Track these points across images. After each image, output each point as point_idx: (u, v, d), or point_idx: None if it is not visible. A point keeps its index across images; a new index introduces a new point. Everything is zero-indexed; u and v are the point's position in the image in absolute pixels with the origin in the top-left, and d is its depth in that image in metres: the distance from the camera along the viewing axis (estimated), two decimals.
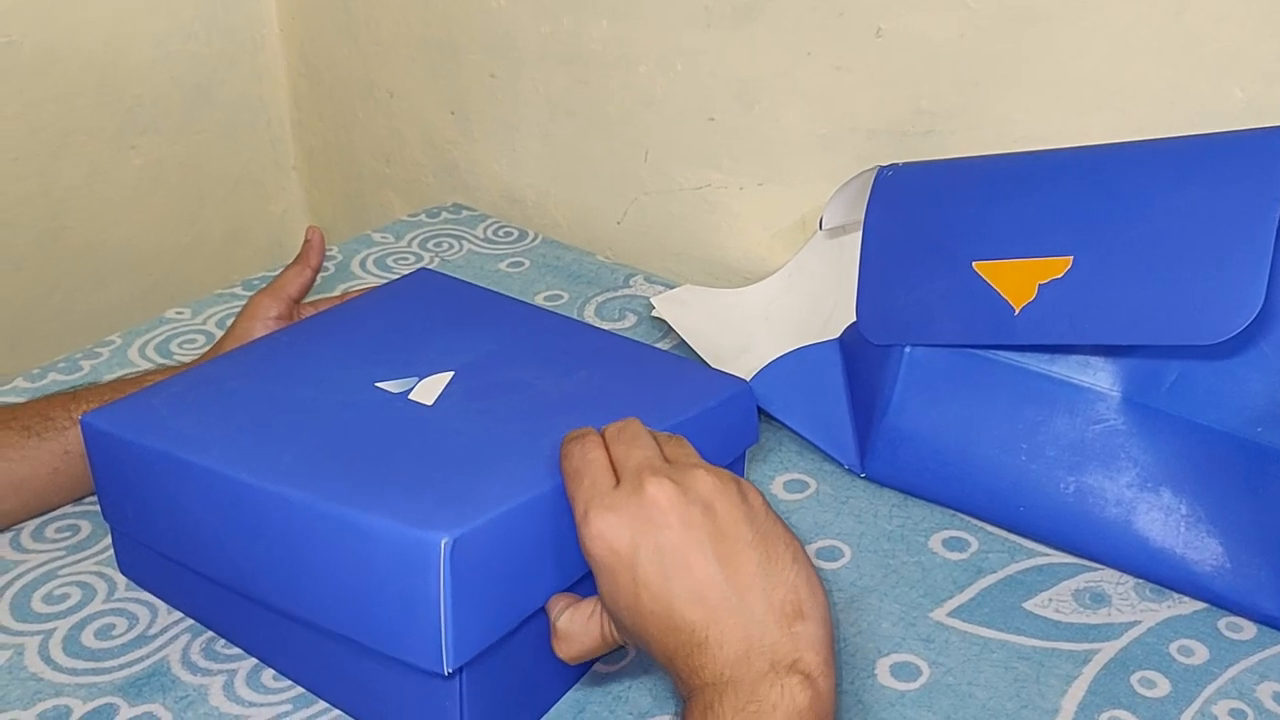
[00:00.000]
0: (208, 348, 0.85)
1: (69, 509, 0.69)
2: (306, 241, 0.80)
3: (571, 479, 0.51)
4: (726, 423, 0.65)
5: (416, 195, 1.21)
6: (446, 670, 0.49)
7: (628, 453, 0.51)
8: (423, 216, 1.08)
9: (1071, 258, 0.63)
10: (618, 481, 0.49)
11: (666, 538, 0.47)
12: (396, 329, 0.67)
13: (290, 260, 0.78)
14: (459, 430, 0.57)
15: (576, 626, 0.52)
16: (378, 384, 0.60)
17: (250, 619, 0.58)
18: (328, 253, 1.01)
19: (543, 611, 0.53)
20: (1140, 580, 0.65)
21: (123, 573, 0.64)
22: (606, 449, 0.52)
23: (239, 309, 0.76)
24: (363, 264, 1.00)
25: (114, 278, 1.21)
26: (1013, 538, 0.68)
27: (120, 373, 0.81)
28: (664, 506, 0.47)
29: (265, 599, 0.55)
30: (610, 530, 0.48)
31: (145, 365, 0.83)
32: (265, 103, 1.29)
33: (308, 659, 0.57)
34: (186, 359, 0.82)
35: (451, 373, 0.62)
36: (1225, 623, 0.62)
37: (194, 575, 0.59)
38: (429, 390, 0.60)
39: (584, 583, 0.53)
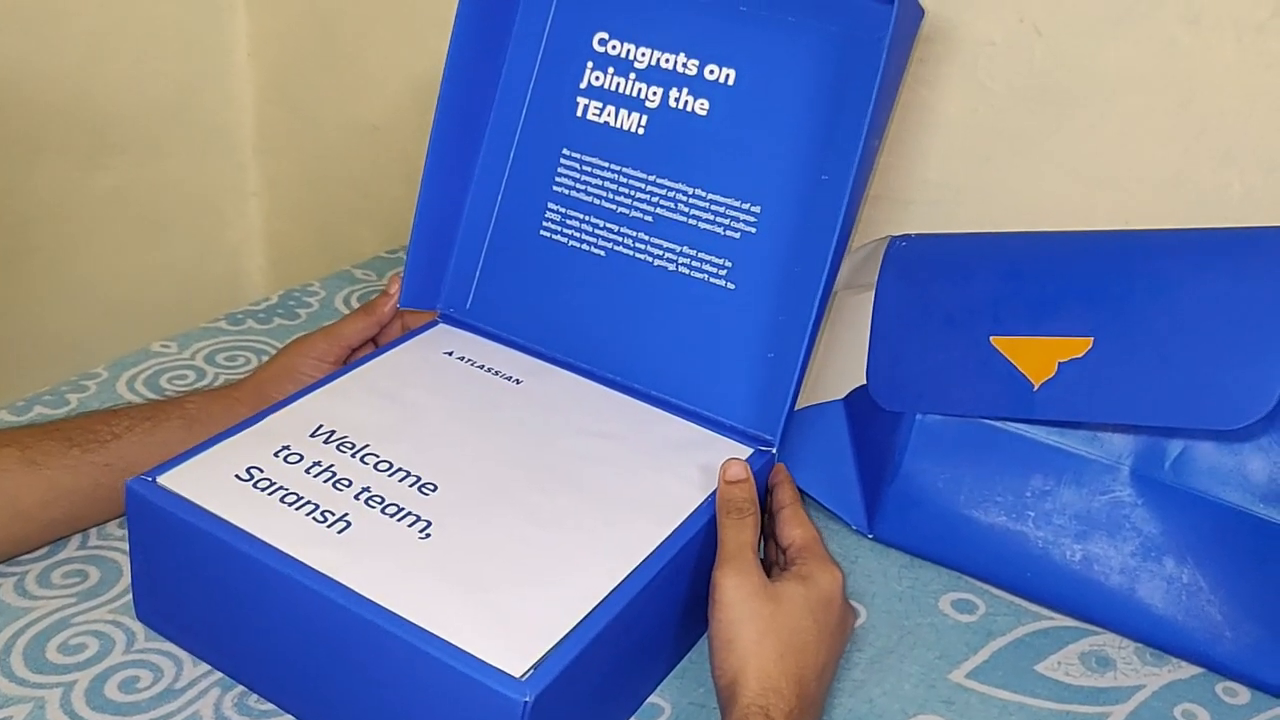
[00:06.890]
0: (199, 384, 0.83)
1: (76, 553, 0.67)
2: (385, 293, 0.78)
3: None
4: None
5: (391, 231, 1.20)
6: None
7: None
8: (401, 254, 1.07)
9: (1093, 338, 0.66)
10: None
11: None
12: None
13: (257, 302, 0.76)
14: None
15: None
16: None
17: (284, 674, 0.57)
18: (308, 287, 1.00)
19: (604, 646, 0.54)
20: (1140, 644, 0.68)
21: (140, 619, 0.62)
22: None
23: (225, 344, 0.73)
24: (346, 300, 0.99)
25: (80, 299, 1.17)
26: (1018, 600, 0.70)
27: (111, 404, 0.78)
28: None
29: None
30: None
31: (133, 400, 0.81)
32: (230, 128, 1.27)
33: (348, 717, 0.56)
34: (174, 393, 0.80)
35: None
36: (1221, 688, 0.65)
37: (222, 626, 0.58)
38: None
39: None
